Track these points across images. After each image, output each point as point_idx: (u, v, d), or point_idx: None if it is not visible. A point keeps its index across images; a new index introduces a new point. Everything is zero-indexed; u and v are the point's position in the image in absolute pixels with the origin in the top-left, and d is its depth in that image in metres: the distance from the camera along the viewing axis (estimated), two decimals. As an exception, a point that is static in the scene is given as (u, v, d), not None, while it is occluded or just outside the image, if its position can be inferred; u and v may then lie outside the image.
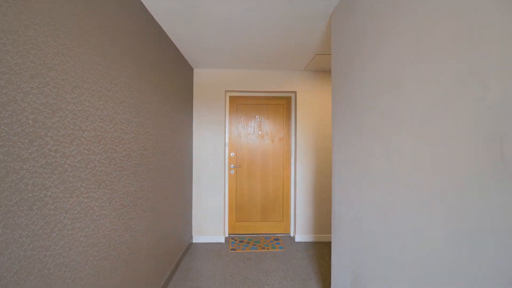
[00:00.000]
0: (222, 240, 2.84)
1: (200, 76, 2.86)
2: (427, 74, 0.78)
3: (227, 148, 3.03)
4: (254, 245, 2.73)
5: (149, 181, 1.66)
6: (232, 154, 3.03)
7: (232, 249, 2.62)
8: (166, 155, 1.98)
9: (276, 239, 2.89)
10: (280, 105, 3.07)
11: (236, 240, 2.88)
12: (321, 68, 2.81)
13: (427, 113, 0.78)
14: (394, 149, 0.95)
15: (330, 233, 2.88)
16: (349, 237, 1.36)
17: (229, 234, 3.03)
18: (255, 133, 3.05)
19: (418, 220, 0.82)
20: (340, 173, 1.47)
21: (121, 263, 1.32)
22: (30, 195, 0.79)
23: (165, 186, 1.95)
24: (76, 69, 0.98)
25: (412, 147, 0.85)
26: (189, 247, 2.66)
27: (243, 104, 3.05)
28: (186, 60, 2.54)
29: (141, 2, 1.52)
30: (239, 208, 3.04)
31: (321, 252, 2.58)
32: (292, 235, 3.03)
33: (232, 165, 3.03)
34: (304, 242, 2.84)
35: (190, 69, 2.74)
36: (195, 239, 2.83)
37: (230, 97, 3.03)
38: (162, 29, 1.87)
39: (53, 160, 0.88)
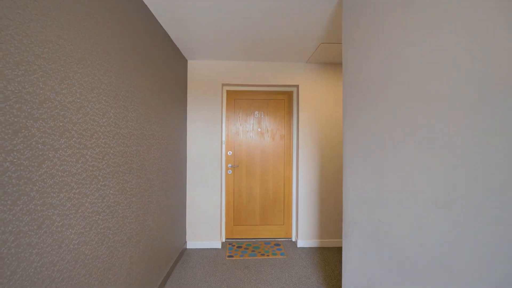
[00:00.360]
0: (219, 246, 2.86)
1: (195, 68, 2.88)
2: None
3: (223, 146, 3.05)
4: (253, 251, 2.76)
5: (133, 183, 1.63)
6: (230, 152, 3.06)
7: (229, 256, 2.65)
8: (154, 153, 1.98)
9: (277, 244, 2.92)
10: (281, 100, 3.09)
11: (234, 245, 2.91)
12: (327, 60, 2.84)
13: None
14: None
15: (336, 238, 2.91)
16: (365, 247, 1.29)
17: (226, 239, 3.06)
18: (254, 130, 3.08)
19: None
20: (354, 172, 1.41)
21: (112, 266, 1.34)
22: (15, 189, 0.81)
23: (152, 187, 1.95)
24: (66, 58, 1.01)
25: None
26: (183, 254, 2.68)
27: (241, 99, 3.08)
28: (179, 49, 2.56)
29: (132, -13, 1.54)
30: (237, 211, 3.07)
31: (326, 259, 2.61)
32: (294, 239, 3.05)
33: (230, 165, 3.06)
34: (308, 247, 2.87)
35: (184, 60, 2.77)
36: (189, 245, 2.86)
37: (228, 92, 3.06)
38: (151, 13, 1.90)
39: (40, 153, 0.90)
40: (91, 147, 1.17)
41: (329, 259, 2.60)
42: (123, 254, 1.47)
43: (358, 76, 1.40)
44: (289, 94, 3.10)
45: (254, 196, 3.07)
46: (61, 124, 0.99)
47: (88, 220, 1.15)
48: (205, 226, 2.87)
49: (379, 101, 1.20)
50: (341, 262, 2.51)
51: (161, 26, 2.09)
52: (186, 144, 2.84)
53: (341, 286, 1.98)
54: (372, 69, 1.26)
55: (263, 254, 2.68)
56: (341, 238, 2.89)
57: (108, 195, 1.31)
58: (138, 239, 1.66)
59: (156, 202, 2.00)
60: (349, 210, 1.48)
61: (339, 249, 2.82)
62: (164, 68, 2.16)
